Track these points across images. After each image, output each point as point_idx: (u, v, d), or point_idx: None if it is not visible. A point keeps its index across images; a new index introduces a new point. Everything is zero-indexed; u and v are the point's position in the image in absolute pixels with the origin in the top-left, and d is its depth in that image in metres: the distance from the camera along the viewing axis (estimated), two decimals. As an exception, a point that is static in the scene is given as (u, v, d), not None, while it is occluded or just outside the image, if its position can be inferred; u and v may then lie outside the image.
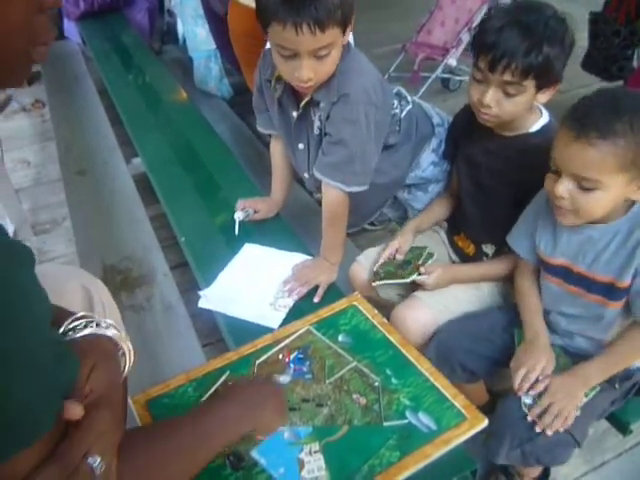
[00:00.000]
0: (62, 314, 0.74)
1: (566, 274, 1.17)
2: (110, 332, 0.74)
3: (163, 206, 1.92)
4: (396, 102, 1.52)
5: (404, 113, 1.54)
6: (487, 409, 1.45)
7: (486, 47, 1.14)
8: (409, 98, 1.58)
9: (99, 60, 3.27)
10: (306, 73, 1.21)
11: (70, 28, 3.86)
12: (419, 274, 1.38)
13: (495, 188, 1.36)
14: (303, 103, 1.37)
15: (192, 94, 3.15)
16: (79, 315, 0.74)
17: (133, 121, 2.51)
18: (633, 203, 1.06)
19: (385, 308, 1.44)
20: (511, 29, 1.12)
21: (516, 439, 1.12)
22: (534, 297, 1.28)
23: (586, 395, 1.13)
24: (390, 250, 1.47)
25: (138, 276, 1.81)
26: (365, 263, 1.53)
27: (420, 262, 1.43)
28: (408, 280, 1.38)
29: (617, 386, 1.16)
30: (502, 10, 1.19)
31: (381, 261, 1.46)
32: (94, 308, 0.97)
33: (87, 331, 0.72)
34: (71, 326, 0.72)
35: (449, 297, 1.40)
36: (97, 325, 0.74)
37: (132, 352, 0.79)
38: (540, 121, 1.28)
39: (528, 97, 1.19)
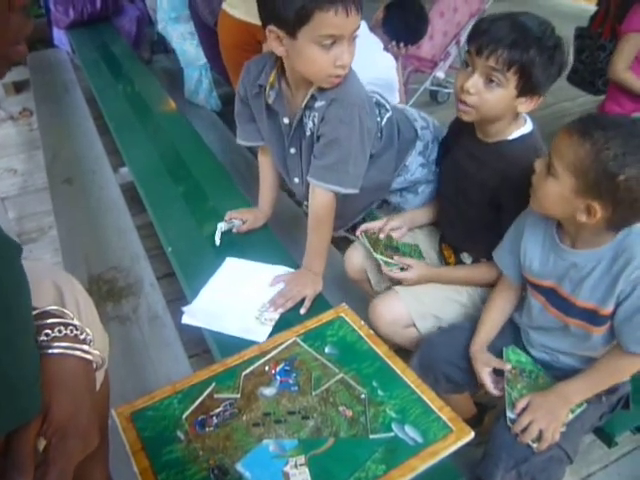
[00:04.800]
0: (39, 314, 0.74)
1: (551, 295, 1.18)
2: (76, 351, 0.74)
3: (150, 216, 1.90)
4: (376, 111, 1.55)
5: (384, 121, 1.57)
6: (474, 422, 1.47)
7: (478, 34, 1.19)
8: (388, 106, 1.60)
9: (88, 69, 3.26)
10: (350, 56, 1.26)
11: (59, 37, 3.86)
12: (401, 269, 1.42)
13: (472, 192, 1.38)
14: (305, 102, 1.37)
15: (181, 104, 3.15)
16: (56, 321, 0.74)
17: (121, 130, 2.50)
18: (618, 231, 1.06)
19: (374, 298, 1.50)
20: (505, 21, 1.17)
21: (512, 460, 1.11)
22: (493, 307, 1.31)
23: (572, 411, 1.14)
24: (377, 223, 1.54)
25: (124, 286, 1.79)
26: (361, 248, 1.57)
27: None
28: (388, 265, 1.43)
29: (603, 399, 1.17)
30: (501, 12, 1.22)
31: (362, 232, 1.53)
32: (65, 307, 0.95)
33: (57, 350, 0.72)
34: (45, 335, 0.72)
35: (426, 293, 1.44)
36: (68, 328, 0.74)
37: (103, 359, 0.81)
38: (521, 130, 1.30)
39: (507, 95, 1.20)
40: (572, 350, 1.21)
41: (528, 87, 1.19)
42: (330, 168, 1.38)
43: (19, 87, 4.02)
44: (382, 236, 1.50)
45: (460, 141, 1.42)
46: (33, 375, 0.61)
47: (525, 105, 1.23)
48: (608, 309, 1.08)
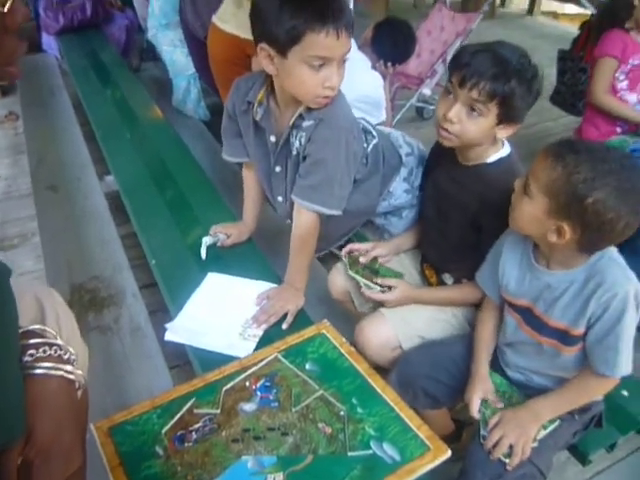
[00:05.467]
0: (23, 334, 0.74)
1: (526, 314, 1.20)
2: (60, 372, 0.74)
3: (134, 226, 1.90)
4: (363, 137, 1.57)
5: (370, 147, 1.59)
6: (452, 438, 1.48)
7: (460, 65, 1.22)
8: (374, 132, 1.62)
9: (76, 75, 3.26)
10: (339, 79, 1.27)
11: (48, 41, 3.85)
12: (383, 291, 1.42)
13: (453, 215, 1.40)
14: (292, 121, 1.38)
15: (169, 113, 3.15)
16: (40, 342, 0.74)
17: (107, 138, 2.50)
18: (590, 254, 1.09)
19: (359, 319, 1.50)
20: (485, 54, 1.20)
21: (486, 478, 1.13)
22: (486, 332, 1.32)
23: (545, 428, 1.16)
24: (359, 247, 1.53)
25: (106, 296, 1.79)
26: (343, 270, 1.57)
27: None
28: (370, 287, 1.43)
29: (577, 417, 1.19)
30: (478, 43, 1.26)
31: (347, 252, 1.52)
32: (46, 324, 0.96)
33: (41, 370, 0.72)
34: (30, 356, 0.73)
35: (412, 315, 1.44)
36: (52, 348, 0.74)
37: (85, 378, 0.81)
38: (499, 153, 1.33)
39: (488, 124, 1.24)
40: (544, 370, 1.24)
41: (508, 115, 1.23)
42: (315, 188, 1.39)
43: (6, 90, 3.98)
44: (363, 260, 1.50)
45: (441, 164, 1.45)
46: (17, 397, 0.61)
47: (504, 131, 1.27)
48: (579, 330, 1.11)
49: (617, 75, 2.37)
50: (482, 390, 1.24)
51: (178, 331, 1.36)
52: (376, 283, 1.43)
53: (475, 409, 1.22)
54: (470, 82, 1.19)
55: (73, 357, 0.77)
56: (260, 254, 1.67)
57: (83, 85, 3.11)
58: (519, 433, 1.12)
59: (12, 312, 0.63)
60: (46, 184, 2.38)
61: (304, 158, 1.41)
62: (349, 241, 2.07)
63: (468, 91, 1.20)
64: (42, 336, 0.75)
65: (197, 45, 2.82)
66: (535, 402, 1.17)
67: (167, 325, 1.38)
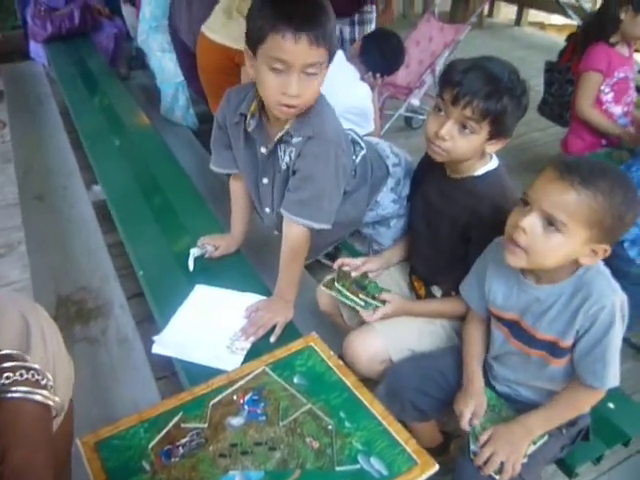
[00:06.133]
0: (1, 357, 0.74)
1: (514, 328, 1.21)
2: (36, 396, 0.74)
3: (121, 236, 1.89)
4: (352, 149, 1.57)
5: (358, 159, 1.59)
6: (440, 450, 1.49)
7: (452, 83, 1.21)
8: (362, 144, 1.63)
9: (64, 83, 3.24)
10: (295, 88, 1.23)
11: (36, 49, 3.83)
12: (375, 307, 1.41)
13: (442, 228, 1.41)
14: (278, 137, 1.39)
15: (157, 121, 3.15)
16: (17, 365, 0.74)
17: (94, 147, 2.49)
18: (578, 267, 1.10)
19: (348, 332, 1.50)
20: (477, 72, 1.20)
21: None
22: (476, 345, 1.32)
23: (534, 443, 1.16)
24: (350, 262, 1.52)
25: (94, 307, 1.78)
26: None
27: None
28: (361, 306, 1.42)
29: (564, 431, 1.20)
30: (467, 59, 1.26)
31: (338, 265, 1.51)
32: (31, 340, 0.95)
33: (17, 394, 0.72)
34: (6, 379, 0.72)
35: (402, 327, 1.44)
36: (30, 372, 0.74)
37: (63, 404, 0.81)
38: (487, 166, 1.34)
39: (479, 140, 1.25)
40: (532, 382, 1.24)
41: (498, 131, 1.24)
42: (304, 203, 1.40)
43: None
44: (354, 274, 1.50)
45: (430, 177, 1.46)
46: None
47: (494, 146, 1.28)
48: (568, 342, 1.12)
49: (603, 88, 2.40)
50: (474, 403, 1.24)
51: (166, 344, 1.35)
52: (364, 299, 1.43)
53: (466, 422, 1.22)
54: (463, 100, 1.19)
55: (50, 383, 0.77)
56: (249, 266, 1.66)
57: (71, 93, 3.10)
58: (510, 450, 1.12)
59: None
60: (33, 194, 2.37)
61: (294, 172, 1.41)
62: (336, 249, 2.09)
63: (461, 109, 1.20)
64: (20, 360, 0.75)
65: (186, 54, 2.82)
66: (526, 418, 1.17)
67: (155, 338, 1.37)
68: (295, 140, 1.37)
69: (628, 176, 1.06)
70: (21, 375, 0.73)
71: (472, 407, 1.23)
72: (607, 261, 1.10)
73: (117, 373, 1.58)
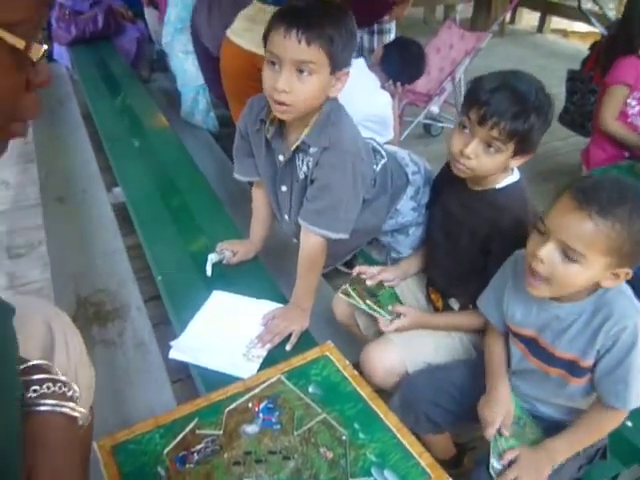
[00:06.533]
0: (28, 369, 0.75)
1: (532, 345, 1.19)
2: (63, 409, 0.74)
3: (141, 240, 1.91)
4: (372, 158, 1.57)
5: (379, 167, 1.59)
6: (453, 463, 1.47)
7: (479, 102, 1.20)
8: (383, 152, 1.63)
9: (86, 85, 3.29)
10: (282, 83, 1.25)
11: (60, 51, 3.89)
12: (392, 318, 1.42)
13: (462, 239, 1.40)
14: (294, 147, 1.40)
15: (177, 124, 3.18)
16: (44, 377, 0.75)
17: (115, 149, 2.52)
18: (599, 286, 1.08)
19: (364, 342, 1.50)
20: (504, 92, 1.19)
21: None
22: (498, 356, 1.29)
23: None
24: (366, 270, 1.52)
25: (111, 310, 1.80)
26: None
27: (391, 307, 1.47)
28: (380, 314, 1.42)
29: (582, 452, 1.18)
30: (494, 74, 1.25)
31: (356, 274, 1.52)
32: (54, 347, 0.96)
33: (45, 408, 0.73)
34: (34, 392, 0.73)
35: (419, 340, 1.43)
36: (57, 385, 0.75)
37: (88, 414, 0.81)
38: (508, 179, 1.33)
39: (505, 158, 1.25)
40: (550, 398, 1.23)
41: (524, 148, 1.24)
42: (321, 213, 1.40)
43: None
44: (370, 283, 1.51)
45: (450, 188, 1.45)
46: (12, 448, 0.60)
47: (518, 161, 1.28)
48: (588, 362, 1.10)
49: (629, 101, 2.38)
50: (502, 412, 1.19)
51: (183, 349, 1.36)
52: (385, 312, 1.43)
53: (493, 432, 1.17)
54: (491, 121, 1.19)
55: (77, 394, 0.78)
56: (266, 273, 1.67)
57: (93, 95, 3.14)
58: (535, 477, 1.10)
59: (12, 353, 0.62)
60: (55, 195, 2.41)
61: (312, 182, 1.42)
62: (354, 257, 2.09)
63: (488, 130, 1.20)
64: (47, 371, 0.76)
65: (207, 58, 2.85)
66: (551, 442, 1.15)
67: (172, 343, 1.38)
68: (312, 150, 1.38)
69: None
70: (48, 388, 0.74)
71: (501, 416, 1.18)
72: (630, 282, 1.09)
73: (133, 376, 1.60)
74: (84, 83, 3.33)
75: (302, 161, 1.42)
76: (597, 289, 1.09)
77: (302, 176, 1.44)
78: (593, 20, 3.58)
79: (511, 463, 1.13)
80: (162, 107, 3.21)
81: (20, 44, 0.49)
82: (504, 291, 1.24)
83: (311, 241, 1.44)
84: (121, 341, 1.68)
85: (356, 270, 1.53)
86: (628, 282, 1.08)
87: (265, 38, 1.28)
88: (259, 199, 1.69)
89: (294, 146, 1.40)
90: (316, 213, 1.41)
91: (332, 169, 1.37)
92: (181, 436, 1.08)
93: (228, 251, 1.64)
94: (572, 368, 1.13)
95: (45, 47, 0.53)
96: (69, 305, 1.80)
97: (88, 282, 1.90)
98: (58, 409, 0.73)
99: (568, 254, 1.01)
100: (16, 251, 2.57)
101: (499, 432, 1.19)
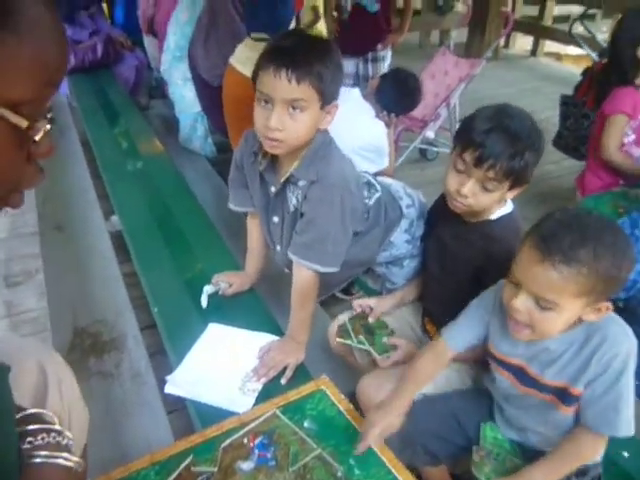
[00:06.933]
0: (23, 418, 0.75)
1: (520, 374, 1.19)
2: (57, 459, 0.75)
3: (137, 270, 1.92)
4: (365, 192, 1.60)
5: (372, 201, 1.61)
6: (449, 495, 1.46)
7: (474, 144, 1.23)
8: (378, 186, 1.65)
9: (85, 113, 3.33)
10: (275, 121, 1.27)
11: (59, 79, 3.92)
12: (386, 356, 1.43)
13: (457, 271, 1.42)
14: (283, 179, 1.42)
15: (175, 151, 3.21)
16: (38, 428, 0.75)
17: (112, 177, 2.54)
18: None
19: (360, 370, 1.51)
20: (498, 133, 1.21)
21: None
22: (427, 374, 1.29)
23: None
24: (363, 303, 1.55)
25: (108, 340, 1.80)
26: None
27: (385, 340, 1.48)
28: (373, 352, 1.44)
29: (574, 482, 1.18)
30: (485, 112, 1.27)
31: (348, 315, 1.54)
32: (48, 390, 0.96)
33: (39, 460, 0.73)
34: (29, 443, 0.73)
35: None
36: (51, 435, 0.75)
37: (82, 461, 0.81)
38: (502, 210, 1.35)
39: (501, 193, 1.28)
40: (540, 427, 1.22)
41: (519, 183, 1.27)
42: (309, 246, 1.41)
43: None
44: (371, 320, 1.53)
45: (444, 220, 1.47)
46: None
47: (513, 193, 1.30)
48: (579, 389, 1.10)
49: (626, 130, 2.41)
50: (387, 423, 1.17)
51: (178, 384, 1.36)
52: (369, 348, 1.46)
53: (367, 444, 1.13)
54: (487, 163, 1.21)
55: (71, 442, 0.78)
56: (262, 304, 1.68)
57: (91, 123, 3.18)
58: None
59: (9, 410, 0.62)
60: (52, 224, 2.41)
61: (302, 215, 1.43)
62: (351, 284, 2.09)
63: (485, 171, 1.23)
64: (41, 421, 0.76)
65: (204, 88, 2.88)
66: (528, 471, 1.14)
67: (167, 377, 1.38)
68: (301, 183, 1.40)
69: (614, 228, 1.02)
70: (42, 439, 0.74)
71: (380, 429, 1.15)
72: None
73: (129, 407, 1.59)
74: (83, 111, 3.36)
75: (292, 193, 1.44)
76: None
77: (292, 208, 1.46)
78: (584, 45, 3.64)
79: None
80: (160, 134, 3.25)
81: (22, 123, 0.49)
82: (480, 321, 1.24)
83: (303, 275, 1.45)
84: (118, 372, 1.68)
85: (356, 306, 1.55)
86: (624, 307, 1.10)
87: (254, 77, 1.30)
88: (254, 231, 1.70)
89: (283, 178, 1.41)
90: (304, 247, 1.42)
91: (319, 203, 1.38)
92: (176, 473, 1.08)
93: (223, 282, 1.65)
94: (562, 395, 1.13)
95: (49, 126, 0.54)
96: (66, 335, 1.80)
97: (85, 311, 1.90)
98: (52, 460, 0.74)
99: (541, 304, 1.02)
100: (13, 279, 2.57)
101: (476, 465, 1.20)
